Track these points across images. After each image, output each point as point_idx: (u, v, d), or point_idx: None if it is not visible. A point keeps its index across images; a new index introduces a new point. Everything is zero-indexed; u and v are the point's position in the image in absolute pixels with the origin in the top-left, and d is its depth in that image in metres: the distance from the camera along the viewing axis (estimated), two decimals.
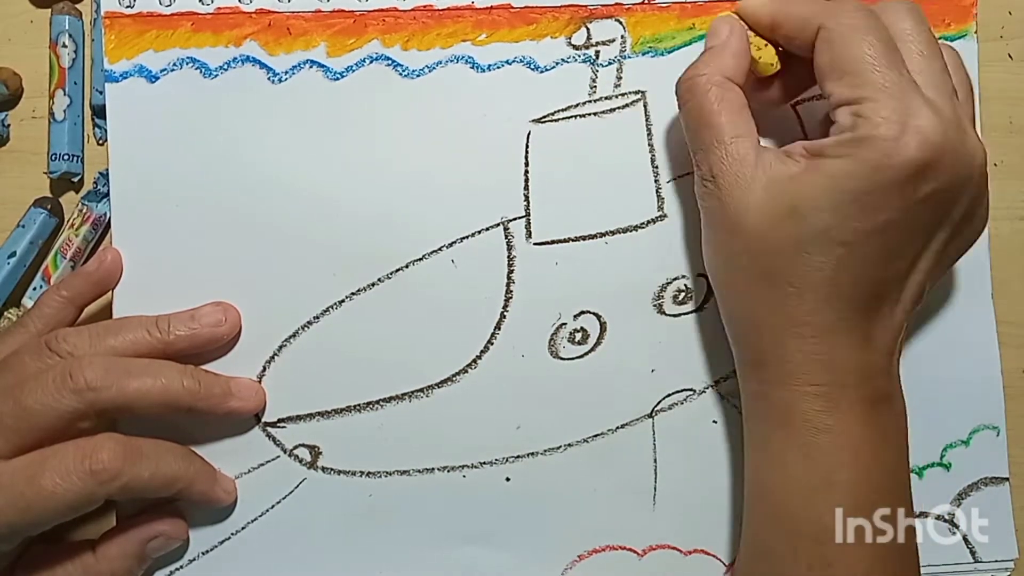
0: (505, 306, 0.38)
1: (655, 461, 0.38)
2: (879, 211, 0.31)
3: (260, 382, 0.37)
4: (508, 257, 0.38)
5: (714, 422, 0.38)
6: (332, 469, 0.38)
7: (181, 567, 0.37)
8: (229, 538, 0.37)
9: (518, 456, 0.38)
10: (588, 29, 0.38)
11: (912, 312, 0.34)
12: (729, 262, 0.34)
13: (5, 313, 0.39)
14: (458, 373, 0.38)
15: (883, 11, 0.33)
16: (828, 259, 0.31)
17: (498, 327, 0.38)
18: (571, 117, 0.38)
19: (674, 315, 0.38)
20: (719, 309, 0.35)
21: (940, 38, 0.39)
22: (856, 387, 0.32)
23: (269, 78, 0.38)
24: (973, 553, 0.39)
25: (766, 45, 0.35)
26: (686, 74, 0.34)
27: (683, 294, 0.38)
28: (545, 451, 0.38)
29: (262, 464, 0.37)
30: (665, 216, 0.38)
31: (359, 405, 0.38)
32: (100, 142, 0.40)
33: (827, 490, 0.32)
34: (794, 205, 0.31)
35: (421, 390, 0.38)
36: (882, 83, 0.31)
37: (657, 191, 0.38)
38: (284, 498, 0.37)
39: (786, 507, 0.33)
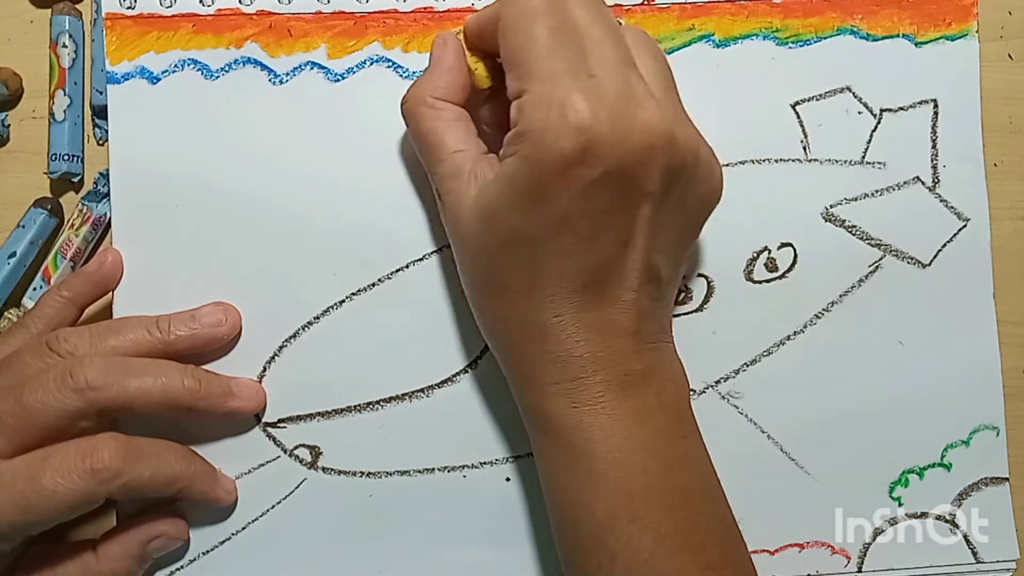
0: None
1: None
2: (553, 204, 0.30)
3: (260, 382, 0.37)
4: None
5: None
6: (332, 469, 0.38)
7: (182, 567, 0.37)
8: (230, 538, 0.37)
9: (518, 456, 0.38)
10: None
11: (655, 290, 0.32)
12: (464, 276, 0.34)
13: (5, 313, 0.39)
14: (458, 373, 0.38)
15: None
16: (526, 258, 0.31)
17: None
18: None
19: (674, 315, 0.38)
20: None
21: (941, 38, 0.39)
22: (596, 375, 0.31)
23: (270, 79, 0.38)
24: (975, 553, 0.39)
25: (481, 59, 0.34)
26: (402, 98, 0.34)
27: (683, 294, 0.38)
28: None
29: (262, 464, 0.37)
30: None
31: (359, 405, 0.38)
32: (100, 142, 0.40)
33: (592, 485, 0.31)
34: (487, 210, 0.31)
35: (421, 390, 0.38)
36: (541, 73, 0.30)
37: None
38: (284, 498, 0.37)
39: (566, 511, 0.32)
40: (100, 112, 0.39)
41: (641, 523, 0.31)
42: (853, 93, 0.39)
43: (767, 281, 0.39)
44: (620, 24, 0.32)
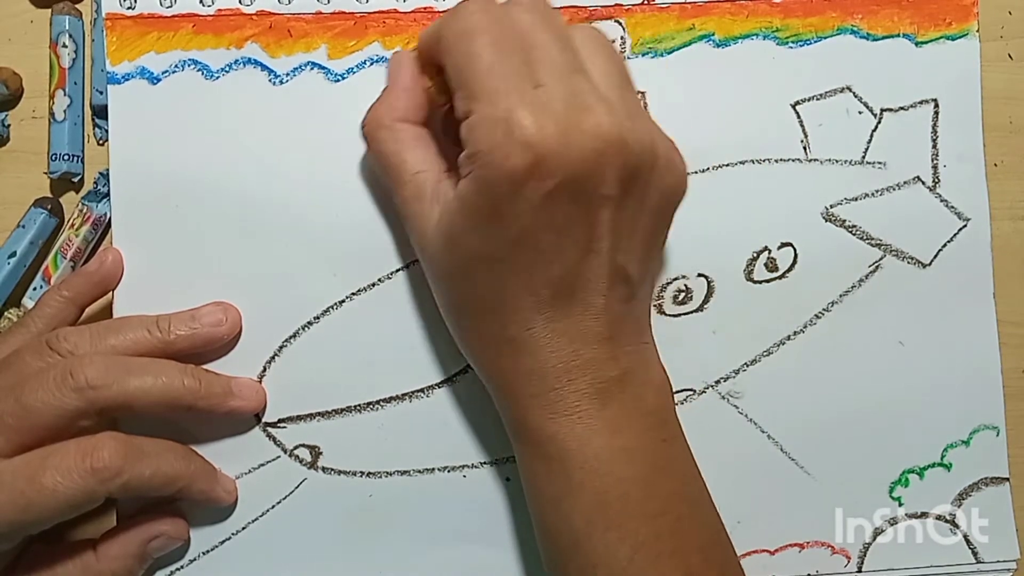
0: None
1: None
2: (510, 221, 0.30)
3: (260, 382, 0.37)
4: None
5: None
6: (332, 469, 0.38)
7: (182, 567, 0.37)
8: (230, 538, 0.37)
9: None
10: None
11: (626, 291, 0.32)
12: (435, 296, 0.35)
13: (5, 313, 0.39)
14: (458, 373, 0.38)
15: (508, 5, 0.32)
16: (491, 276, 0.31)
17: None
18: None
19: (674, 315, 0.38)
20: None
21: (941, 38, 0.39)
22: (571, 385, 0.31)
23: (270, 80, 0.38)
24: (975, 553, 0.39)
25: (435, 75, 0.34)
26: (361, 122, 0.34)
27: (683, 294, 0.38)
28: None
29: (262, 464, 0.37)
30: None
31: (359, 405, 0.38)
32: (100, 142, 0.40)
33: (570, 495, 0.31)
34: (448, 232, 0.31)
35: (421, 390, 0.38)
36: (485, 91, 0.30)
37: None
38: (284, 498, 0.37)
39: (547, 520, 0.33)
40: (100, 112, 0.39)
41: (619, 531, 0.31)
42: (853, 93, 0.39)
43: (767, 281, 0.39)
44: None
